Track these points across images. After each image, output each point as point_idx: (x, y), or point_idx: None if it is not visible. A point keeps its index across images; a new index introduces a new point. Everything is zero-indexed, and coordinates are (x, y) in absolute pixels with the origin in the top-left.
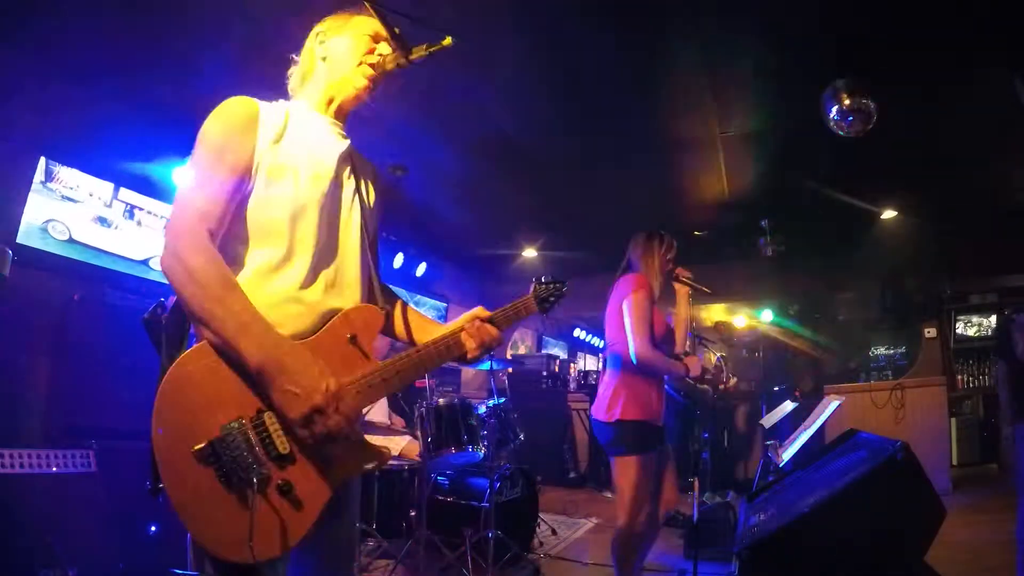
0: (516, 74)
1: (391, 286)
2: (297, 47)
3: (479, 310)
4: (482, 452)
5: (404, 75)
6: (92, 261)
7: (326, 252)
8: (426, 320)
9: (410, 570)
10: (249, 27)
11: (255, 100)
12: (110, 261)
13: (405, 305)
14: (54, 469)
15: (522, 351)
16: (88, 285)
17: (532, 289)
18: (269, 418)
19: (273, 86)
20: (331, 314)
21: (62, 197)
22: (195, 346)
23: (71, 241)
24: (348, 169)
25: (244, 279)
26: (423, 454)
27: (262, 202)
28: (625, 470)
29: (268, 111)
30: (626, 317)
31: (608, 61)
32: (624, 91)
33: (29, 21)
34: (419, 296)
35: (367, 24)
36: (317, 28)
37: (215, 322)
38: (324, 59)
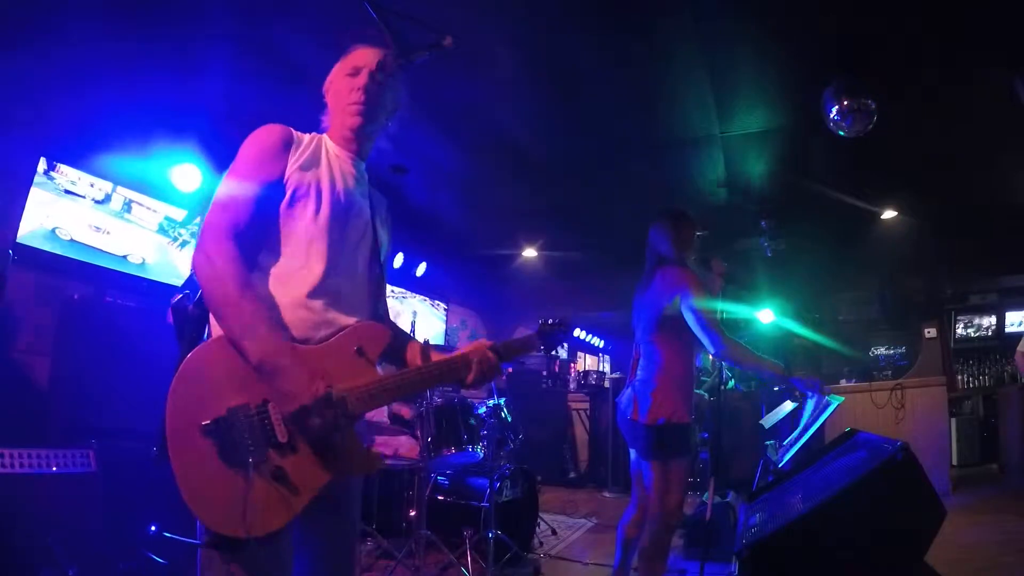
0: (516, 74)
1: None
2: (293, 47)
3: (484, 342)
4: (482, 452)
5: (404, 75)
6: (93, 261)
7: (338, 270)
8: (431, 350)
9: (410, 570)
10: (249, 26)
11: (290, 128)
12: (110, 261)
13: (410, 336)
14: (54, 469)
15: None
16: (88, 285)
17: (538, 329)
18: (272, 408)
19: (271, 86)
20: (339, 327)
21: (64, 191)
22: (214, 338)
23: (72, 242)
24: (365, 202)
25: (263, 282)
26: (423, 454)
27: (286, 218)
28: (669, 475)
29: (301, 140)
30: (691, 320)
31: (608, 61)
32: (624, 91)
33: (28, 21)
34: (419, 296)
35: (352, 60)
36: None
37: (227, 319)
38: (330, 100)
